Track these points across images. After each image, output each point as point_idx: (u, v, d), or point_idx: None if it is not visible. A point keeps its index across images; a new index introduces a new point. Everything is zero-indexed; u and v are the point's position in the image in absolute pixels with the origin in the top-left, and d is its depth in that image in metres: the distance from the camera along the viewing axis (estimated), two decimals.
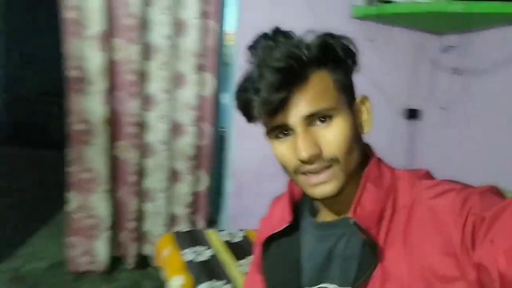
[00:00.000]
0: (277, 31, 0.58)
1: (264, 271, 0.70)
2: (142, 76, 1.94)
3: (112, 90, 1.91)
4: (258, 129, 2.20)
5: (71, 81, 1.82)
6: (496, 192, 0.54)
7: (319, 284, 0.64)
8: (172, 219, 2.19)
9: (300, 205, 0.71)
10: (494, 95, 1.83)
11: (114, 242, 2.09)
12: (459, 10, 1.66)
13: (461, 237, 0.49)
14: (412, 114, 2.19)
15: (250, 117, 0.58)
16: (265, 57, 0.55)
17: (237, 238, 1.66)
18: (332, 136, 0.56)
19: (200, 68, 2.03)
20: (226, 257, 1.48)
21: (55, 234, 2.48)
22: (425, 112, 2.20)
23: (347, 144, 0.56)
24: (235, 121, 2.10)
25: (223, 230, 1.76)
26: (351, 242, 0.60)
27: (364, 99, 0.63)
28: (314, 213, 0.69)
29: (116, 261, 2.13)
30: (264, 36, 0.58)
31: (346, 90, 0.59)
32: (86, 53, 1.81)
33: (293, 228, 0.68)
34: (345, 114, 0.57)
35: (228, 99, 2.39)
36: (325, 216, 0.66)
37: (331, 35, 0.57)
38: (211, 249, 1.52)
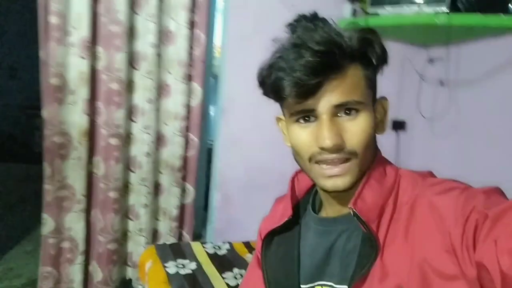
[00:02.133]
0: (316, 16, 0.58)
1: (264, 266, 0.70)
2: (127, 86, 1.90)
3: (93, 100, 1.85)
4: (245, 141, 2.16)
5: (49, 90, 1.73)
6: (501, 193, 0.53)
7: (317, 281, 0.63)
8: (155, 236, 2.11)
9: (303, 203, 0.71)
10: (479, 106, 1.84)
11: (93, 266, 1.96)
12: (443, 23, 1.68)
13: (462, 234, 0.48)
14: (399, 125, 2.20)
15: (278, 97, 0.58)
16: (305, 37, 0.54)
17: (223, 251, 1.61)
18: (356, 130, 0.56)
19: (187, 78, 2.00)
20: (210, 269, 1.43)
21: (33, 251, 2.38)
22: (411, 124, 2.21)
23: (367, 140, 0.56)
24: (222, 133, 2.07)
25: (207, 242, 1.70)
26: (351, 238, 0.60)
27: (384, 100, 0.63)
28: (318, 209, 0.69)
29: (93, 285, 1.99)
30: (304, 17, 0.58)
31: (373, 88, 0.60)
32: (67, 60, 1.76)
33: (294, 225, 0.69)
34: (369, 111, 0.57)
35: (215, 111, 2.36)
36: (328, 212, 0.66)
37: (372, 31, 0.58)
38: (195, 262, 1.47)
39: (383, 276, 0.53)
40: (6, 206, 3.20)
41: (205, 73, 2.08)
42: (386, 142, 2.18)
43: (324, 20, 0.58)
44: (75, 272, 1.89)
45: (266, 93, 0.61)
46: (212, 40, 2.27)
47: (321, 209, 0.68)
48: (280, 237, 0.69)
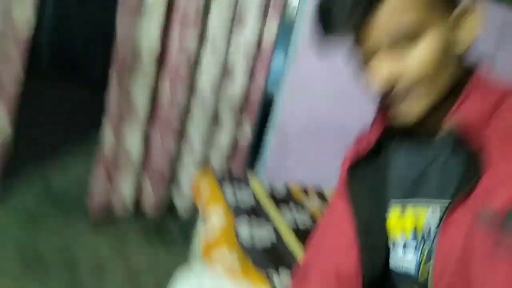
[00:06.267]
0: None
1: (350, 198, 0.69)
2: (204, 9, 1.84)
3: (168, 20, 1.82)
4: (310, 89, 2.07)
5: (126, 5, 1.71)
6: None
7: (412, 198, 0.62)
8: (207, 165, 2.13)
9: (390, 130, 0.67)
10: None
11: (145, 183, 2.03)
12: None
13: None
14: None
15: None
16: None
17: (278, 188, 1.58)
18: (417, 56, 0.52)
19: (264, 11, 1.92)
20: (265, 199, 1.41)
21: (88, 162, 2.49)
22: None
23: (433, 64, 0.53)
24: (289, 78, 2.00)
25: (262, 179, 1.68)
26: (453, 153, 0.57)
27: (466, 10, 0.55)
28: (410, 131, 0.64)
29: (142, 203, 2.08)
30: None
31: (441, 2, 0.53)
32: None
33: (380, 153, 0.68)
34: (435, 32, 0.52)
35: (284, 57, 2.28)
36: (424, 132, 0.62)
37: None
38: (250, 189, 1.45)
39: (493, 190, 0.48)
40: (68, 122, 3.36)
41: (284, 9, 1.99)
42: None
43: None
44: (127, 186, 1.96)
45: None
46: None
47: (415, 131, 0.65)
48: (365, 168, 0.68)
